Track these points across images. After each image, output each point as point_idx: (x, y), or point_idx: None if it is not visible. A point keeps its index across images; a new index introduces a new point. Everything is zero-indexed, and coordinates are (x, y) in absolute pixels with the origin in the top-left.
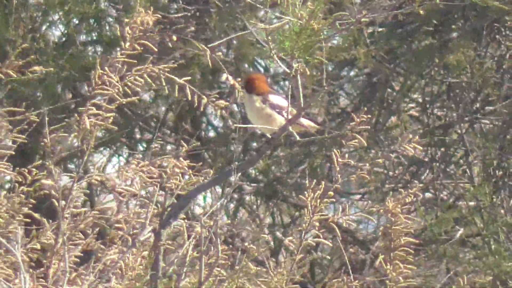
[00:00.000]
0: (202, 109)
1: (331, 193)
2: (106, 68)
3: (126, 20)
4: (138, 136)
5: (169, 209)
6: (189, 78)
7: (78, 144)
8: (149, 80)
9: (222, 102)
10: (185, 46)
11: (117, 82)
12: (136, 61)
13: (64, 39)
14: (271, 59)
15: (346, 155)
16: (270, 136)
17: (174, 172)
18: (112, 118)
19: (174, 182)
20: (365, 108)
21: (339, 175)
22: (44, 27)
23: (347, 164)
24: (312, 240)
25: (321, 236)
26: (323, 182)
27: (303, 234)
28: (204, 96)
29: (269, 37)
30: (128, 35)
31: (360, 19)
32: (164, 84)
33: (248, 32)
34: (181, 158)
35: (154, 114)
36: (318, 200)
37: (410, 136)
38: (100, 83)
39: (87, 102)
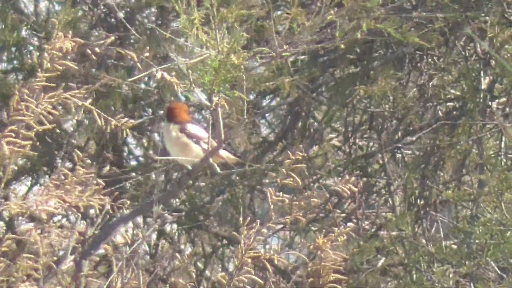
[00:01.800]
0: (118, 136)
1: (264, 230)
2: (24, 94)
3: (45, 46)
4: (59, 165)
5: (90, 239)
6: (90, 101)
7: None
8: (61, 106)
9: (132, 122)
10: (106, 74)
11: (36, 108)
12: (55, 85)
13: None
14: (191, 92)
15: (281, 193)
16: (190, 168)
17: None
18: (30, 145)
19: (95, 210)
20: (301, 146)
21: (273, 213)
22: None
23: (263, 190)
24: (244, 277)
25: (253, 273)
26: (258, 221)
27: (235, 271)
28: (111, 119)
29: (189, 71)
30: (45, 61)
31: (281, 53)
32: (74, 110)
33: (169, 65)
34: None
35: (76, 143)
36: (252, 238)
37: (347, 177)
38: (18, 109)
39: (5, 128)
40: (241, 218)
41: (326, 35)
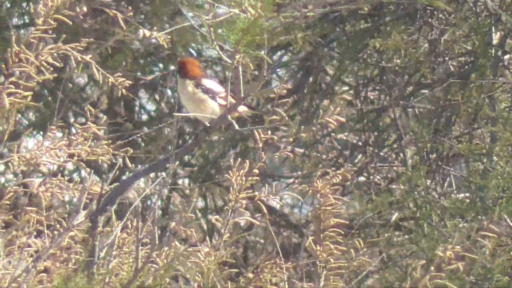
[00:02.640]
0: (124, 93)
1: (256, 170)
2: (22, 45)
3: None
4: (71, 119)
5: (105, 195)
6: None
7: None
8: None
9: (125, 80)
10: (120, 30)
11: (35, 59)
12: (53, 36)
13: None
14: (208, 49)
15: (269, 132)
16: (207, 124)
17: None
18: (31, 96)
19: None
20: (286, 80)
21: (263, 152)
22: None
23: (273, 143)
24: (240, 219)
25: (248, 214)
26: (248, 161)
27: (229, 212)
28: (109, 76)
29: (211, 28)
30: (42, 11)
31: (305, 13)
32: (74, 63)
33: (188, 23)
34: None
35: (88, 97)
36: (244, 178)
37: (332, 108)
38: (17, 60)
39: (5, 80)
40: (231, 161)
41: None
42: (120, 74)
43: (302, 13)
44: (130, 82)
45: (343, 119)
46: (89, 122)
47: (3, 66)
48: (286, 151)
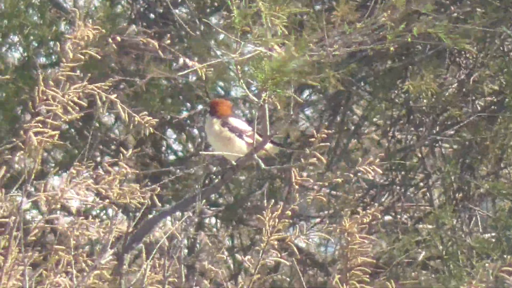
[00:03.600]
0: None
1: (289, 212)
2: (49, 84)
3: (67, 36)
4: (98, 159)
5: (131, 234)
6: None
7: (24, 163)
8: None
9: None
10: (147, 68)
11: (62, 97)
12: (79, 75)
13: (23, 61)
14: (235, 87)
15: (305, 174)
16: (234, 163)
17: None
18: (58, 135)
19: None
20: (326, 124)
21: (296, 194)
22: (3, 49)
23: (305, 185)
24: (270, 259)
25: (279, 255)
26: (281, 203)
27: (261, 253)
28: (134, 115)
29: (239, 66)
30: (69, 50)
31: (332, 53)
32: (99, 103)
33: (219, 60)
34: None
35: (115, 137)
36: (276, 220)
37: (371, 158)
38: (44, 99)
39: (32, 118)
40: (265, 201)
41: (376, 36)
42: (146, 113)
43: (328, 52)
44: (156, 120)
45: (380, 171)
46: (120, 162)
47: (31, 104)
48: (320, 196)
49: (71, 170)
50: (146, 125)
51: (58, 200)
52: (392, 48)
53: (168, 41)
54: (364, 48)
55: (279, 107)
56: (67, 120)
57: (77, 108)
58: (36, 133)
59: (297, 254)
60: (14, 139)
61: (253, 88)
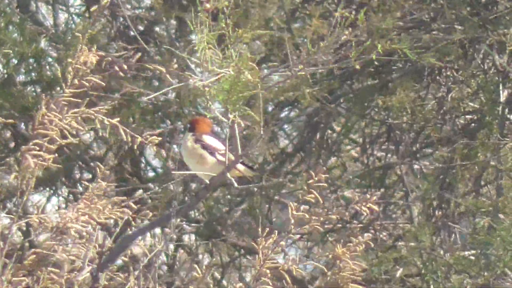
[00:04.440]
0: (136, 148)
1: (283, 243)
2: (50, 108)
3: (69, 60)
4: (77, 175)
5: (107, 251)
6: (118, 119)
7: (17, 184)
8: (82, 124)
9: (155, 138)
10: (127, 85)
11: (60, 122)
12: (80, 100)
13: (3, 78)
14: (207, 111)
15: (301, 208)
16: (207, 182)
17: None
18: (52, 158)
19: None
20: (324, 169)
21: (292, 227)
22: None
23: (285, 202)
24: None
25: (270, 284)
26: (276, 232)
27: (253, 281)
28: (138, 136)
29: (206, 88)
30: (69, 75)
31: (297, 73)
32: (98, 126)
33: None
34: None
35: (94, 154)
36: (269, 248)
37: (368, 196)
38: (42, 123)
39: (29, 142)
40: (259, 229)
41: (342, 54)
42: (149, 133)
43: (293, 73)
44: (160, 138)
45: (377, 208)
46: (99, 180)
47: (31, 127)
48: (316, 225)
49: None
50: (151, 145)
51: (60, 228)
52: (358, 66)
53: (175, 66)
54: (328, 68)
55: (243, 125)
56: (63, 144)
57: (73, 132)
58: (32, 156)
59: (290, 283)
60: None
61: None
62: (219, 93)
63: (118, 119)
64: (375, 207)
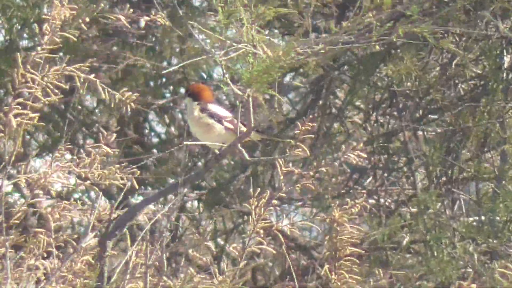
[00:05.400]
0: (113, 105)
1: (275, 201)
2: (26, 67)
3: (44, 16)
4: (80, 141)
5: (115, 219)
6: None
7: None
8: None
9: (133, 96)
10: (130, 53)
11: (41, 80)
12: (56, 56)
13: (6, 44)
14: (224, 84)
15: (290, 164)
16: (217, 152)
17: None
18: (52, 123)
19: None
20: (310, 116)
21: (283, 184)
22: None
23: (290, 172)
24: (256, 247)
25: (265, 243)
26: (267, 191)
27: (247, 241)
28: (114, 92)
29: (224, 63)
30: (47, 31)
31: (318, 51)
32: (79, 84)
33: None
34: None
35: (97, 120)
36: (262, 208)
37: (354, 143)
38: (23, 81)
39: (12, 100)
40: (251, 190)
41: (362, 36)
42: (126, 89)
43: (314, 52)
44: (137, 94)
45: (365, 155)
46: (101, 144)
47: (11, 87)
48: (307, 183)
49: (56, 154)
50: (128, 101)
51: (40, 184)
52: (377, 47)
53: (147, 18)
54: (349, 47)
55: (263, 104)
56: (46, 102)
57: (56, 90)
58: (16, 116)
59: (284, 242)
60: None
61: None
62: (246, 72)
63: (94, 75)
64: (363, 155)
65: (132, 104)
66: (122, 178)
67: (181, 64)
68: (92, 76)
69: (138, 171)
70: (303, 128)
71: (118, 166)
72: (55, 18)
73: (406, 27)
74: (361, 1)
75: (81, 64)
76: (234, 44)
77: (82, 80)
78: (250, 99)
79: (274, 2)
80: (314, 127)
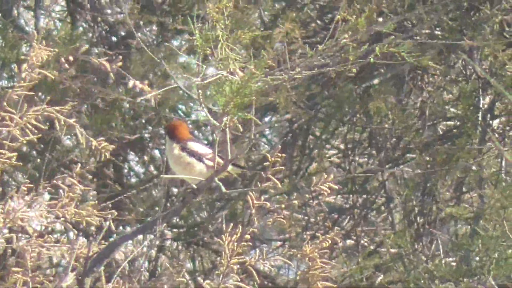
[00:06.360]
0: (87, 152)
1: (248, 236)
2: (6, 105)
3: (23, 56)
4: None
5: (92, 257)
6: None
7: None
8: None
9: (109, 147)
10: (106, 90)
11: (19, 119)
12: (33, 94)
13: None
14: (200, 113)
15: (262, 198)
16: (195, 186)
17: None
18: (31, 163)
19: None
20: (279, 147)
21: (255, 218)
22: None
23: (263, 207)
24: (231, 284)
25: (238, 279)
26: (240, 226)
27: (220, 277)
28: (91, 139)
29: (200, 90)
30: (24, 70)
31: (293, 76)
32: (58, 127)
33: (174, 86)
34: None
35: (76, 159)
36: (235, 244)
37: (325, 175)
38: (1, 119)
39: None
40: (223, 225)
41: (338, 58)
42: (103, 139)
43: (289, 76)
44: (112, 146)
45: (336, 187)
46: (75, 182)
47: None
48: (280, 217)
49: (33, 194)
50: (103, 150)
51: (15, 220)
52: (354, 70)
53: (120, 63)
54: (326, 70)
55: (240, 130)
56: (24, 142)
57: (35, 130)
58: None
59: (257, 278)
60: None
61: (214, 111)
62: (220, 96)
63: (75, 119)
64: (335, 186)
65: (107, 154)
66: (100, 219)
67: (153, 94)
68: (72, 121)
69: (116, 212)
70: (272, 159)
71: (95, 205)
72: (33, 58)
73: (383, 46)
74: (336, 24)
75: (62, 107)
76: (210, 73)
77: (62, 123)
78: (227, 130)
79: (251, 27)
80: (283, 158)
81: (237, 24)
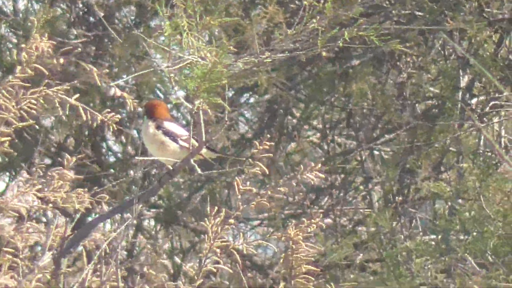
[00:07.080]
0: (96, 131)
1: (231, 220)
2: (2, 91)
3: (23, 46)
4: (37, 161)
5: (69, 236)
6: (77, 96)
7: None
8: (42, 102)
9: (116, 117)
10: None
11: (13, 106)
12: (30, 85)
13: None
14: (173, 97)
15: (248, 183)
16: (171, 168)
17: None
18: (8, 142)
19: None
20: (268, 135)
21: (240, 203)
22: None
23: (248, 191)
24: (212, 266)
25: (221, 262)
26: (224, 210)
27: (203, 260)
28: (98, 114)
29: (172, 74)
30: (24, 60)
31: (263, 60)
32: (58, 106)
33: (151, 69)
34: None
35: (55, 139)
36: (219, 227)
37: (313, 164)
38: None
39: None
40: (208, 208)
41: (308, 42)
42: (108, 110)
43: (260, 60)
44: (119, 116)
45: (323, 176)
46: (67, 172)
47: None
48: (263, 201)
49: (20, 178)
50: (110, 122)
51: (5, 208)
52: (324, 54)
53: (106, 70)
54: (296, 54)
55: (210, 114)
56: (21, 128)
57: (32, 113)
58: None
59: (239, 261)
60: None
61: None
62: (190, 80)
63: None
64: (322, 175)
65: (114, 125)
66: (79, 196)
67: (130, 76)
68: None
69: (107, 197)
70: (261, 147)
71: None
72: (33, 49)
73: (351, 31)
74: (304, 9)
75: (60, 87)
76: (181, 55)
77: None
78: (200, 112)
79: (220, 12)
80: (272, 147)
81: (207, 11)
